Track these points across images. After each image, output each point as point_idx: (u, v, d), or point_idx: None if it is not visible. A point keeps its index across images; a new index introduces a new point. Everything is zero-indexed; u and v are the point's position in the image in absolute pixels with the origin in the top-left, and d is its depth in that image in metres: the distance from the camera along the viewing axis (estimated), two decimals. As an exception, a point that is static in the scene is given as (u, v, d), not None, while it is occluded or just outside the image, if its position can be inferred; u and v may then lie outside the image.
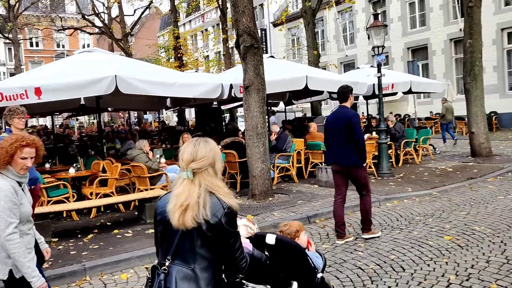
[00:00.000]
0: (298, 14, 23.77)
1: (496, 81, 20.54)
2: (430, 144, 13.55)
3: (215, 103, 14.03)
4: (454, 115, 16.75)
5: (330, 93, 12.48)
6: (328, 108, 28.26)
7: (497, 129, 20.05)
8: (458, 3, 21.49)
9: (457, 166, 11.16)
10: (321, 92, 12.16)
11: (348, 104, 5.89)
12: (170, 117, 41.02)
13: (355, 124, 5.66)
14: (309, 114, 19.87)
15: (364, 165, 5.83)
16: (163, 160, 8.82)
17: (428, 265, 4.74)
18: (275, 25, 32.49)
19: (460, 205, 7.26)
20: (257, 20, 27.55)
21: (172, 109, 18.11)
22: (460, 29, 20.06)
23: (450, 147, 15.80)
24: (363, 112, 25.23)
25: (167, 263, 2.22)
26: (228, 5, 14.79)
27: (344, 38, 28.51)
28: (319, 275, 2.91)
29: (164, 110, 19.60)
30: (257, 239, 2.82)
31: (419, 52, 24.35)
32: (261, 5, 33.25)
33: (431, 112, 22.84)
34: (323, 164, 9.78)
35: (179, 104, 13.23)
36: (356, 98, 15.45)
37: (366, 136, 12.73)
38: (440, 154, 13.81)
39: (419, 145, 12.45)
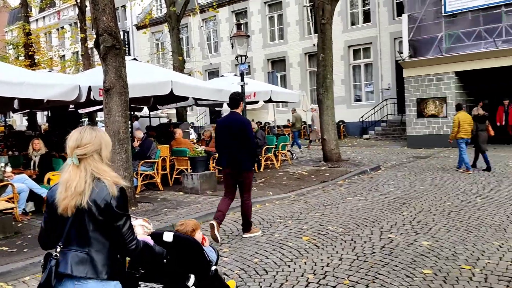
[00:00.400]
0: (163, 19, 23.41)
1: (344, 93, 22.75)
2: (288, 150, 14.38)
3: (71, 106, 13.01)
4: (306, 123, 18.27)
5: (195, 99, 12.47)
6: (194, 115, 28.37)
7: (345, 137, 22.19)
8: (312, 20, 23.32)
9: (312, 170, 12.01)
10: (186, 98, 12.07)
11: (239, 110, 6.15)
12: (18, 121, 37.03)
13: (249, 130, 5.96)
14: (174, 120, 19.63)
15: (253, 169, 6.16)
16: (8, 169, 7.84)
17: (289, 266, 4.96)
18: (138, 28, 31.53)
19: (315, 207, 7.80)
20: (119, 21, 26.41)
21: (20, 112, 16.34)
22: (314, 44, 21.75)
23: (305, 152, 16.97)
24: (226, 119, 25.81)
25: (58, 249, 2.27)
26: (87, 3, 13.93)
27: (209, 46, 28.92)
28: (213, 267, 3.15)
29: (11, 112, 17.57)
30: (154, 238, 2.85)
31: (278, 63, 25.81)
32: (124, 6, 32.00)
33: (288, 120, 24.31)
34: (189, 170, 9.70)
35: (29, 106, 11.96)
36: (220, 105, 15.71)
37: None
38: (297, 159, 14.74)
39: (279, 151, 13.14)
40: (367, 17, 22.40)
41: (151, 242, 2.68)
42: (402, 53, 17.88)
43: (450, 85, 16.67)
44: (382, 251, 5.27)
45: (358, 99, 23.13)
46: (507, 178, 9.73)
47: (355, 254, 5.22)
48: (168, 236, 2.96)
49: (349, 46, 22.70)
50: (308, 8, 23.70)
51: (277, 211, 7.64)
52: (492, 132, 11.34)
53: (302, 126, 19.98)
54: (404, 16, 17.52)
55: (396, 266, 4.77)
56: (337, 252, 5.32)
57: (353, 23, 22.94)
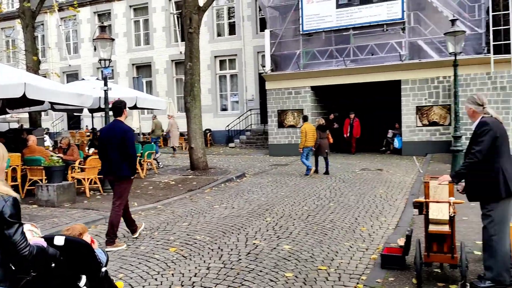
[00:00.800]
0: (15, 14, 21.18)
1: (211, 102, 23.12)
2: (154, 159, 14.08)
3: None
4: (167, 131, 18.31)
5: (52, 103, 11.51)
6: (49, 120, 26.12)
7: (211, 145, 22.52)
8: (179, 28, 23.30)
9: (179, 179, 11.95)
10: (41, 102, 11.08)
11: (122, 118, 6.18)
12: None
13: (129, 138, 6.05)
14: (26, 125, 17.82)
15: (132, 178, 6.26)
16: None
17: (156, 279, 4.85)
18: (-18, 21, 28.07)
19: (183, 217, 7.77)
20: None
21: None
22: (181, 52, 21.75)
23: (172, 161, 16.81)
24: (87, 126, 24.34)
25: None
26: None
27: (68, 46, 27.02)
28: (104, 268, 3.24)
29: None
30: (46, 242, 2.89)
31: (144, 69, 25.20)
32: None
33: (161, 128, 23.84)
34: (44, 181, 8.91)
35: None
36: (81, 110, 14.76)
37: (91, 150, 12.28)
38: (163, 168, 14.52)
39: (144, 159, 12.79)
40: (232, 29, 23.14)
41: (45, 244, 2.81)
42: (264, 66, 18.85)
43: (307, 98, 18.05)
44: (248, 257, 5.47)
45: (224, 109, 23.70)
46: (354, 183, 10.83)
47: (222, 262, 5.32)
48: (59, 240, 3.03)
49: (215, 56, 23.17)
50: (175, 16, 23.63)
51: (143, 222, 7.42)
52: (331, 140, 13.04)
53: (162, 134, 19.81)
54: (267, 32, 18.51)
55: (261, 271, 4.99)
56: (204, 261, 5.37)
57: (219, 34, 23.50)
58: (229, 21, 23.31)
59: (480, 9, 15.41)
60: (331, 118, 19.10)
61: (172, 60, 24.19)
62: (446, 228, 4.16)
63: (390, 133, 18.35)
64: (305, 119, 12.97)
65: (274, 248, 5.82)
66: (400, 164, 14.24)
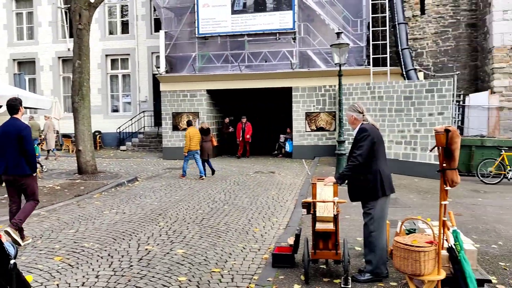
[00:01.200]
0: None
1: (101, 102, 22.06)
2: (37, 162, 13.03)
3: None
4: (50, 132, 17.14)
5: None
6: None
7: (101, 147, 21.48)
8: (67, 24, 21.91)
9: (65, 183, 11.22)
10: None
11: (19, 116, 6.14)
12: None
13: (26, 136, 6.01)
14: None
15: (34, 174, 6.18)
16: None
17: (38, 291, 4.52)
18: None
19: (69, 223, 7.32)
20: None
21: None
22: (69, 49, 20.49)
23: (57, 164, 15.72)
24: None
25: None
26: None
27: None
28: (12, 261, 3.13)
29: None
30: None
31: (27, 65, 23.25)
32: None
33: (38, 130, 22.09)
34: None
35: None
36: None
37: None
38: (48, 172, 13.52)
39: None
40: (125, 28, 22.35)
41: None
42: (159, 67, 18.50)
43: (202, 102, 18.08)
44: (140, 263, 5.33)
45: (115, 110, 22.75)
46: (248, 186, 11.10)
47: (112, 269, 5.12)
48: None
49: (106, 55, 22.18)
50: (63, 11, 22.16)
51: (25, 231, 6.83)
52: (214, 143, 13.54)
53: (40, 135, 18.39)
54: (161, 33, 18.21)
55: (153, 276, 4.89)
56: (93, 269, 5.12)
57: (111, 32, 22.55)
58: (122, 19, 22.48)
59: (362, 24, 16.77)
60: (226, 122, 19.37)
61: (59, 57, 22.64)
62: (331, 226, 4.46)
63: (282, 138, 19.11)
64: (189, 123, 13.26)
65: (167, 253, 5.74)
66: (291, 167, 14.89)
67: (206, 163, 12.88)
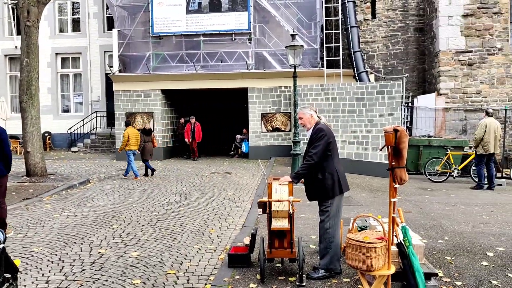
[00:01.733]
0: None
1: (51, 102, 21.29)
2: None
3: None
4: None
5: None
6: None
7: (51, 149, 20.72)
8: (14, 20, 21.01)
9: (13, 186, 10.75)
10: None
11: None
12: None
13: (4, 139, 6.38)
14: None
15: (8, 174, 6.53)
16: None
17: (-17, 299, 4.31)
18: None
19: (17, 228, 7.04)
20: None
21: None
22: (16, 46, 19.67)
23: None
24: None
25: None
26: None
27: None
28: (1, 245, 3.31)
29: None
30: None
31: (-32, 62, 22.09)
32: None
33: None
34: None
35: None
36: None
37: None
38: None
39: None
40: (77, 26, 21.68)
41: None
42: (112, 67, 18.08)
43: (157, 102, 17.83)
44: (92, 267, 5.20)
45: (66, 110, 22.01)
46: (204, 187, 11.06)
47: (63, 274, 4.97)
48: None
49: (57, 54, 21.43)
50: (10, 6, 21.21)
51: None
52: (156, 144, 13.76)
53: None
54: (114, 31, 17.81)
55: (107, 280, 4.79)
56: (43, 275, 4.95)
57: (61, 30, 21.81)
58: (73, 17, 21.78)
59: (316, 27, 17.10)
60: (181, 122, 19.19)
61: (6, 55, 21.65)
62: (286, 225, 4.53)
63: (238, 138, 19.15)
64: (127, 123, 13.35)
65: (121, 256, 5.63)
66: (247, 168, 14.96)
67: (145, 164, 13.13)
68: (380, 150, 4.39)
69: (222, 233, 6.81)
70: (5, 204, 6.60)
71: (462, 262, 5.25)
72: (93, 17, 21.19)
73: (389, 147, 3.66)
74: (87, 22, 21.18)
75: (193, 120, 17.74)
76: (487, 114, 11.26)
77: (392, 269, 3.64)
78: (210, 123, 22.46)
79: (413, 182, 11.96)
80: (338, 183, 4.68)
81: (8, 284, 3.40)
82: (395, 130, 3.58)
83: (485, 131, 10.87)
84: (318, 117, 4.89)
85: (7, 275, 3.39)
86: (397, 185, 3.69)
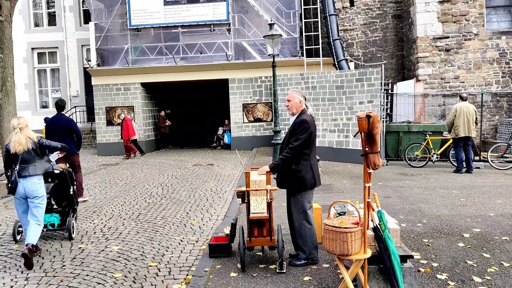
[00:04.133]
0: None
1: (28, 98, 20.94)
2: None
3: None
4: None
5: None
6: None
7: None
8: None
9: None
10: None
11: (64, 112, 8.63)
12: None
13: (75, 128, 8.50)
14: None
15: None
16: None
17: (-39, 298, 4.27)
18: None
19: (-4, 226, 6.94)
20: None
21: None
22: (-11, 42, 19.22)
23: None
24: None
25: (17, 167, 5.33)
26: None
27: None
28: (71, 188, 5.23)
29: None
30: None
31: None
32: None
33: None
34: None
35: None
36: None
37: None
38: (-30, 173, 12.67)
39: None
40: (52, 20, 21.29)
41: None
42: (90, 61, 17.84)
43: (137, 95, 17.67)
44: (73, 262, 5.17)
45: (45, 106, 21.68)
46: (186, 179, 11.04)
47: (43, 271, 4.93)
48: (57, 170, 5.59)
49: (33, 48, 21.04)
50: (-19, 0, 20.69)
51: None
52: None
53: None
54: (91, 24, 17.55)
55: (87, 275, 4.77)
56: (22, 272, 4.90)
57: (37, 25, 21.40)
58: (49, 11, 21.38)
59: (294, 16, 17.09)
60: (162, 115, 19.08)
61: (-21, 51, 21.15)
62: (264, 214, 4.56)
63: (220, 130, 19.12)
64: (46, 120, 13.38)
65: (102, 250, 5.61)
66: (229, 159, 14.96)
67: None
68: (354, 136, 4.43)
69: (204, 224, 6.82)
70: (80, 172, 8.63)
71: (439, 244, 5.36)
72: (69, 10, 20.83)
73: (363, 133, 3.70)
74: (63, 16, 20.81)
75: (122, 116, 16.36)
76: (461, 98, 11.47)
77: (369, 253, 3.69)
78: (192, 115, 22.38)
79: (394, 168, 12.12)
80: (312, 177, 4.64)
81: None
82: (368, 116, 3.62)
83: (455, 115, 11.10)
84: (306, 105, 4.78)
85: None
86: (371, 170, 3.74)
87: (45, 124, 9.40)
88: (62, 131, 8.19)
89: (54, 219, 6.14)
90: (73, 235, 6.08)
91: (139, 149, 16.50)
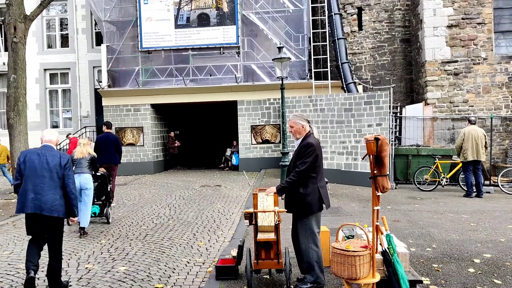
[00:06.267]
0: None
1: (39, 118, 21.20)
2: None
3: None
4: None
5: None
6: None
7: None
8: (2, 36, 20.99)
9: (0, 203, 10.65)
10: None
11: (111, 130, 10.84)
12: None
13: (119, 142, 10.55)
14: None
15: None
16: None
17: (-33, 317, 4.26)
18: None
19: (3, 245, 6.97)
20: None
21: None
22: (4, 63, 19.58)
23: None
24: None
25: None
26: None
27: None
28: (109, 186, 7.38)
29: None
30: None
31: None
32: None
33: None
34: None
35: None
36: None
37: None
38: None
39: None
40: (65, 41, 21.70)
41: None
42: (101, 82, 18.09)
43: (147, 116, 17.82)
44: (79, 282, 5.16)
45: (55, 125, 21.91)
46: (194, 200, 11.02)
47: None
48: (100, 172, 8.04)
49: (45, 69, 21.40)
50: (-3, 22, 21.21)
51: (-49, 255, 6.44)
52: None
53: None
54: (103, 46, 17.85)
55: (94, 295, 4.75)
56: (28, 291, 4.89)
57: (50, 46, 21.82)
58: (62, 32, 21.82)
59: (303, 39, 17.27)
60: (171, 136, 19.19)
61: (-7, 71, 21.59)
62: (272, 236, 4.53)
63: (228, 151, 19.16)
64: None
65: (109, 270, 5.59)
66: (237, 180, 14.95)
67: None
68: (362, 158, 4.42)
69: (211, 246, 6.78)
70: (114, 181, 10.16)
71: (449, 269, 5.28)
72: (81, 32, 21.23)
73: (371, 156, 3.70)
74: (76, 38, 21.21)
75: (70, 136, 17.36)
76: (470, 122, 11.45)
77: (377, 277, 3.65)
78: (200, 135, 22.50)
79: (403, 192, 12.02)
80: (319, 200, 4.56)
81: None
82: (376, 139, 3.62)
83: (463, 139, 11.06)
84: (310, 127, 4.75)
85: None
86: (379, 193, 3.72)
87: (96, 139, 11.04)
88: (110, 145, 10.00)
89: (96, 209, 8.37)
90: (109, 220, 8.49)
91: None
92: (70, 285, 5.05)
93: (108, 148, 10.02)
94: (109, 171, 9.39)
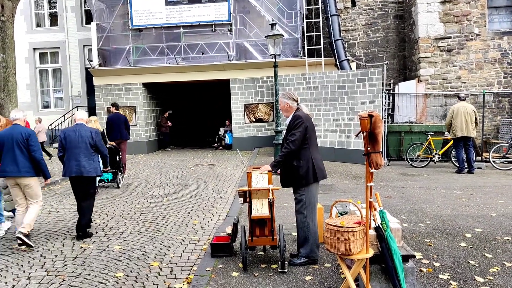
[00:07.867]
0: None
1: (30, 98, 20.97)
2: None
3: None
4: None
5: None
6: None
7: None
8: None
9: None
10: None
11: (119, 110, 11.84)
12: None
13: (127, 123, 11.72)
14: None
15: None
16: None
17: (-37, 297, 4.28)
18: None
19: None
20: None
21: None
22: (-9, 42, 19.24)
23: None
24: None
25: None
26: None
27: None
28: (118, 157, 9.23)
29: None
30: None
31: None
32: None
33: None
34: None
35: None
36: None
37: None
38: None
39: None
40: (54, 20, 21.32)
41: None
42: (91, 61, 17.86)
43: (139, 95, 17.68)
44: (75, 262, 5.18)
45: (46, 106, 21.70)
46: (188, 179, 11.05)
47: (45, 270, 4.94)
48: (110, 144, 9.04)
49: (34, 49, 21.06)
50: (-17, 1, 20.73)
51: None
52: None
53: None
54: (93, 25, 17.57)
55: (89, 274, 4.77)
56: (24, 271, 4.91)
57: (38, 25, 21.43)
58: (50, 11, 21.41)
59: (296, 16, 17.08)
60: (165, 116, 19.09)
61: (-19, 51, 21.19)
62: (266, 213, 4.56)
63: (221, 130, 19.13)
64: None
65: (104, 249, 5.62)
66: (231, 159, 14.96)
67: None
68: (356, 136, 4.42)
69: (205, 224, 6.82)
70: (125, 154, 11.53)
71: (441, 244, 5.35)
72: (70, 10, 20.85)
73: (365, 132, 3.69)
74: (65, 16, 20.83)
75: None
76: (459, 98, 11.49)
77: (370, 253, 3.69)
78: (193, 115, 22.41)
79: (395, 168, 12.11)
80: (313, 171, 4.66)
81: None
82: (370, 116, 3.62)
83: (452, 115, 11.11)
84: (298, 105, 4.86)
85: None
86: (373, 170, 3.73)
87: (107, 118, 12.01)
88: (120, 124, 11.20)
89: (109, 176, 10.02)
90: (120, 186, 10.16)
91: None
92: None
93: (119, 126, 11.22)
94: (120, 146, 10.83)
